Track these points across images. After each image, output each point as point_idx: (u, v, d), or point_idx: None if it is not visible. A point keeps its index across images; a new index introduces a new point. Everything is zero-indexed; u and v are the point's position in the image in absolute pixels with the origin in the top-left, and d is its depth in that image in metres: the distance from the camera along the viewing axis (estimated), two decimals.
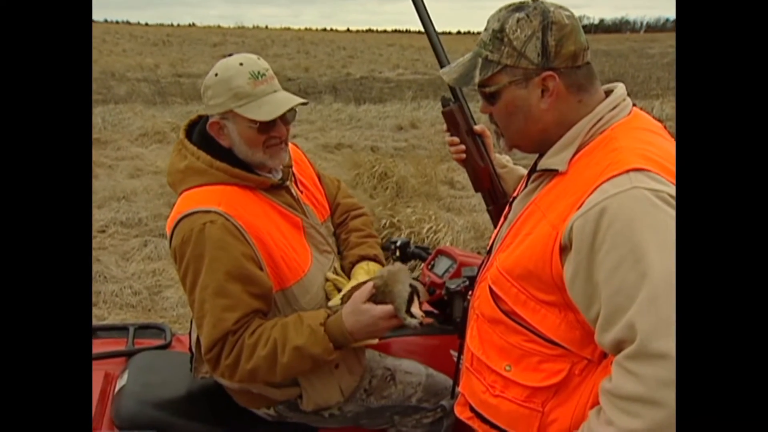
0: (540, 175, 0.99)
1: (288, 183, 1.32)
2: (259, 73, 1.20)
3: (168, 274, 3.48)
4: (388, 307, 1.17)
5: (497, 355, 1.00)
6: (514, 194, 1.11)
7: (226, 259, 1.14)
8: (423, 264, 1.62)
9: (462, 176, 5.29)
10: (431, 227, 3.79)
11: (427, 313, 1.59)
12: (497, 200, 1.35)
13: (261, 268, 1.18)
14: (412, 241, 1.71)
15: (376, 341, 1.34)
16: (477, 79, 0.95)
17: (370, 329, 1.18)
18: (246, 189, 1.24)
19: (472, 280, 1.25)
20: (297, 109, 1.23)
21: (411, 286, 1.17)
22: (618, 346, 0.81)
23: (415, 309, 1.15)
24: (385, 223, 3.85)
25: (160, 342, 1.62)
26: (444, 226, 3.89)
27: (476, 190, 1.37)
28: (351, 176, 5.30)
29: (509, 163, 1.40)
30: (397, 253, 1.66)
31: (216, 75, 1.20)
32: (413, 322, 1.14)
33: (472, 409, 1.05)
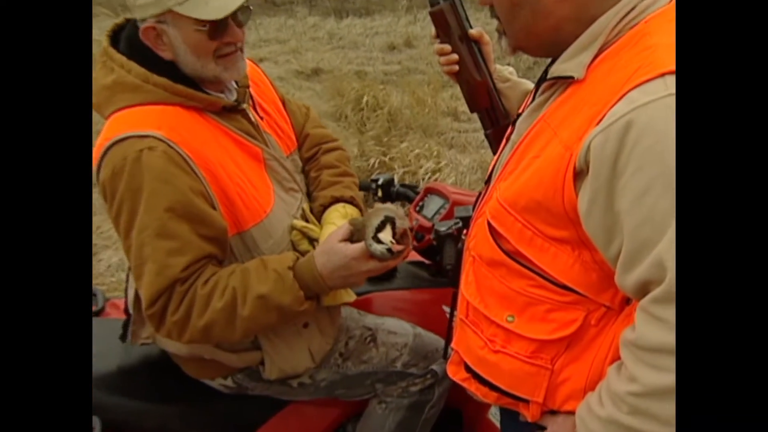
0: (551, 84, 0.97)
1: (245, 106, 1.30)
2: None
3: (104, 232, 3.48)
4: (361, 244, 1.18)
5: (497, 303, 1.01)
6: (519, 111, 1.09)
7: (169, 194, 1.12)
8: (410, 205, 1.63)
9: None
10: (431, 167, 3.79)
11: (415, 263, 1.62)
12: (497, 122, 1.34)
13: (213, 207, 1.18)
14: (396, 179, 1.72)
15: (353, 298, 1.36)
16: None
17: (343, 273, 1.19)
18: (192, 111, 1.22)
19: (467, 221, 1.26)
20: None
21: (387, 216, 1.18)
22: (643, 289, 0.81)
23: (383, 235, 1.16)
24: (374, 163, 3.85)
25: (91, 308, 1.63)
26: (446, 165, 3.89)
27: (472, 111, 1.37)
28: (332, 108, 5.27)
29: (513, 76, 1.38)
30: (379, 193, 1.67)
31: None
32: (378, 248, 1.15)
33: (467, 369, 1.07)
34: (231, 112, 1.28)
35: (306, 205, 1.39)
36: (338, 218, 1.36)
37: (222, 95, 1.27)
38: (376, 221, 1.18)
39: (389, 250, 1.16)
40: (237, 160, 1.25)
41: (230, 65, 1.22)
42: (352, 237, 1.21)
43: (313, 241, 1.34)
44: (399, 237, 1.19)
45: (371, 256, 1.18)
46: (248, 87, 1.33)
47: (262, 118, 1.36)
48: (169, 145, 1.14)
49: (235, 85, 1.32)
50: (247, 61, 1.35)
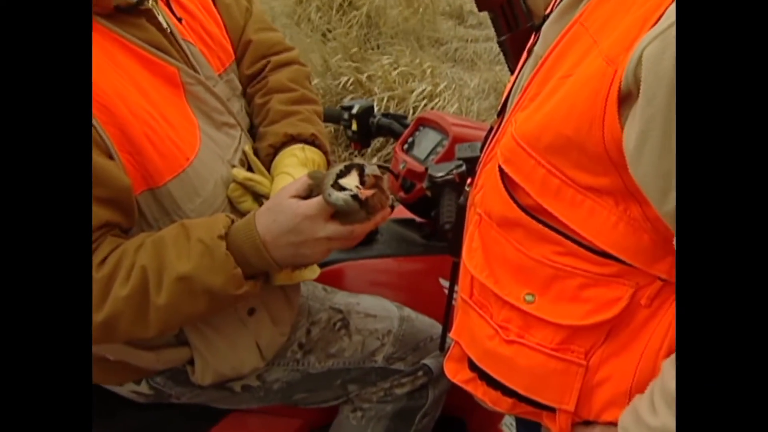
0: None
1: (150, 4, 1.25)
2: None
3: None
4: (317, 198, 1.16)
5: (512, 278, 1.01)
6: (547, 11, 1.08)
7: None
8: (396, 143, 1.63)
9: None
10: (425, 90, 3.79)
11: (402, 222, 1.61)
12: (516, 24, 1.36)
13: (110, 156, 1.15)
14: (377, 108, 1.72)
15: (316, 274, 1.36)
16: None
17: (292, 239, 1.18)
18: None
19: (473, 163, 1.25)
20: None
21: (353, 163, 1.17)
22: None
23: (347, 180, 1.15)
24: (346, 82, 3.84)
25: None
26: (446, 87, 3.90)
27: (481, 8, 1.37)
28: (288, 6, 5.23)
29: None
30: (354, 126, 1.67)
31: None
32: (341, 196, 1.14)
33: (472, 366, 1.08)
34: (130, 14, 1.23)
35: (248, 147, 1.38)
36: (295, 165, 1.34)
37: None
38: (337, 169, 1.17)
39: (355, 196, 1.14)
40: (143, 87, 1.21)
41: None
42: (311, 194, 1.20)
43: (260, 197, 1.33)
44: (370, 186, 1.17)
45: (333, 215, 1.16)
46: None
47: (180, 20, 1.32)
48: None
49: None
50: None
